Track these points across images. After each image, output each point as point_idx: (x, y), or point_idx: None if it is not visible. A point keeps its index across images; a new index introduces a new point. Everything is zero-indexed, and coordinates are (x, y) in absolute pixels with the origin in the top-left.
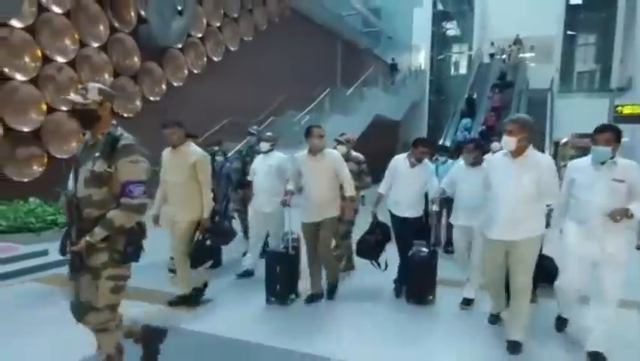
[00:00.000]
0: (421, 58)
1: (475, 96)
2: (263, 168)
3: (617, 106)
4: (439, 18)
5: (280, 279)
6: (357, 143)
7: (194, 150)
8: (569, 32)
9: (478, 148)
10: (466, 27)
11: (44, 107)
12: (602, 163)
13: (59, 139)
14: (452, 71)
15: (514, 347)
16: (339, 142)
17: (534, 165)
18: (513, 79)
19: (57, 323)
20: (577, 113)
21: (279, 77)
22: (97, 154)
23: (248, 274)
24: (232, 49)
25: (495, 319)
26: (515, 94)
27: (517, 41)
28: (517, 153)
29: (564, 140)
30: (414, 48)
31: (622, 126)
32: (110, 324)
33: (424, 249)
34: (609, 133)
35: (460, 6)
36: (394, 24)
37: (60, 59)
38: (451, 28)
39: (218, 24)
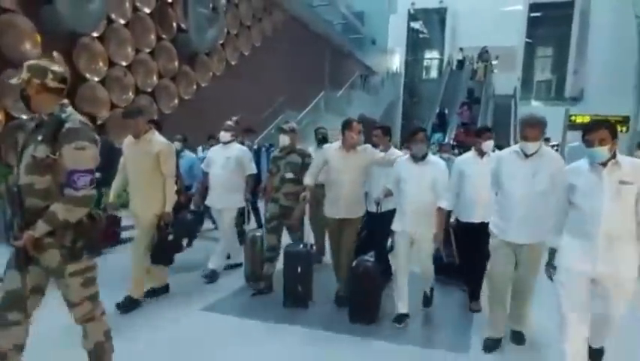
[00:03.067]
0: (396, 61)
1: (446, 111)
2: (219, 160)
3: (570, 115)
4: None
5: (301, 280)
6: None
7: (157, 140)
8: (530, 44)
9: (428, 140)
10: (438, 34)
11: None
12: (603, 165)
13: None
14: (424, 75)
15: (519, 337)
16: (282, 130)
17: (548, 162)
18: (480, 95)
19: None
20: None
21: (279, 79)
22: (40, 137)
23: (214, 274)
24: (245, 53)
25: (494, 344)
26: (481, 112)
27: (484, 58)
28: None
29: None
30: (390, 52)
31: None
32: (94, 313)
33: (370, 258)
34: (603, 130)
35: (432, 14)
36: (373, 29)
37: (123, 63)
38: (424, 34)
39: (235, 32)
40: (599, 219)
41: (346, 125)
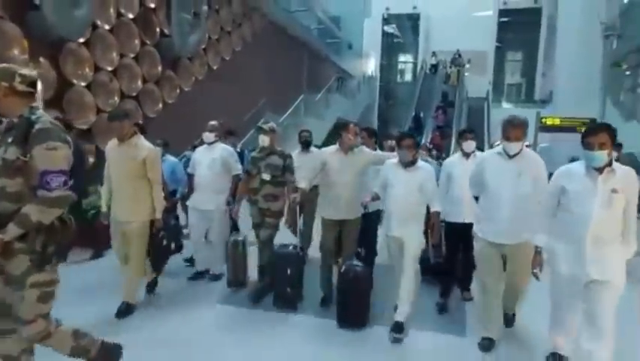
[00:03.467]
0: (371, 65)
1: (421, 115)
2: (205, 160)
3: (541, 118)
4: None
5: (291, 282)
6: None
7: (144, 144)
8: (500, 48)
9: (416, 146)
10: (412, 38)
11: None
12: (599, 171)
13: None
14: (399, 78)
15: (511, 319)
16: (262, 130)
17: (530, 163)
18: (454, 98)
19: None
20: None
21: (259, 83)
22: (10, 140)
23: (200, 274)
24: (227, 58)
25: (489, 344)
26: (456, 115)
27: (457, 63)
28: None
29: (497, 142)
30: (365, 56)
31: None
32: (49, 329)
33: (358, 263)
34: (603, 134)
35: (406, 19)
36: (349, 33)
37: (109, 68)
38: (399, 39)
39: (216, 36)
40: (588, 224)
41: (343, 127)
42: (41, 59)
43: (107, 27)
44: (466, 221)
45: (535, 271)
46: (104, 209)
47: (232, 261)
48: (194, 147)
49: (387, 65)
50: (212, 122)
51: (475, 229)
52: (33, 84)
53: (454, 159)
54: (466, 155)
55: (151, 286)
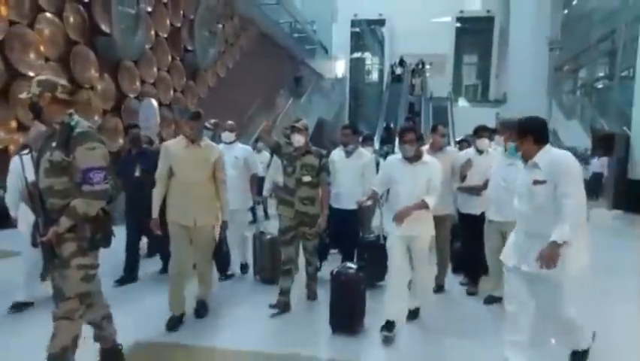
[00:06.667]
0: (342, 67)
1: (392, 125)
2: (229, 160)
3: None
4: (355, 32)
5: (372, 266)
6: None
7: (213, 145)
8: (458, 52)
9: (418, 140)
10: (379, 42)
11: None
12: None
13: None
14: (367, 79)
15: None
16: (296, 129)
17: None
18: (420, 108)
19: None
20: (468, 119)
21: (254, 88)
22: (54, 144)
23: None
24: (230, 66)
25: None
26: (423, 122)
27: (420, 74)
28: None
29: (459, 138)
30: (336, 58)
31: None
32: (75, 314)
33: (352, 265)
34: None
35: (373, 24)
36: (321, 38)
37: (151, 81)
38: (366, 42)
39: (223, 49)
40: (522, 219)
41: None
42: (105, 75)
43: (148, 46)
44: (478, 213)
45: None
46: (155, 215)
47: (266, 257)
48: None
49: (356, 67)
50: (230, 122)
51: (488, 213)
52: (71, 93)
53: (470, 155)
54: (480, 152)
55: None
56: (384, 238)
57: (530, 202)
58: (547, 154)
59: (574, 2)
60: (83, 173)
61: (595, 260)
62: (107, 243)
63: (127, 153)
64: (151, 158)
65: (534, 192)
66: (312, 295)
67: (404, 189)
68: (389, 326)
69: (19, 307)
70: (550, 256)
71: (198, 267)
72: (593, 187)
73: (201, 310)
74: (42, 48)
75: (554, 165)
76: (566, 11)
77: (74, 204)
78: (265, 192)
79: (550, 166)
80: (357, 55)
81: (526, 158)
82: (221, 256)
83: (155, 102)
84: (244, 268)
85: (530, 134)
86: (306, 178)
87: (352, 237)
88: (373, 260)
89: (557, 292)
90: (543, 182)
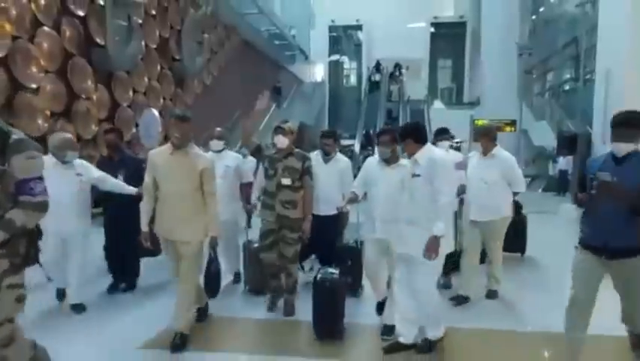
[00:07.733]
0: (321, 72)
1: (370, 132)
2: (219, 169)
3: (474, 119)
4: (334, 37)
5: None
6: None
7: (201, 154)
8: (433, 56)
9: (394, 141)
10: (356, 47)
11: None
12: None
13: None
14: (345, 83)
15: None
16: (281, 130)
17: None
18: (397, 114)
19: None
20: (444, 121)
21: (236, 95)
22: None
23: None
24: (215, 74)
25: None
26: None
27: (397, 81)
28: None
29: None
30: (315, 63)
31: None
32: (15, 334)
33: (334, 270)
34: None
35: (350, 29)
36: (301, 44)
37: (143, 90)
38: (344, 47)
39: (208, 57)
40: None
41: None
42: (100, 85)
43: (139, 57)
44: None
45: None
46: (144, 228)
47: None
48: None
49: (335, 71)
50: (219, 129)
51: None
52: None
53: (473, 157)
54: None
55: (203, 314)
56: (361, 243)
57: (408, 192)
58: (428, 153)
59: (541, 9)
60: (22, 183)
61: (565, 247)
62: (37, 259)
63: (106, 159)
64: (131, 165)
65: (412, 183)
66: (289, 310)
67: (380, 191)
68: (388, 330)
69: None
70: (434, 248)
71: (179, 282)
72: (560, 183)
73: (177, 344)
74: (42, 61)
75: (432, 163)
76: (534, 17)
77: (10, 216)
78: (253, 199)
79: (428, 162)
80: (335, 58)
81: (409, 155)
82: (209, 277)
83: (156, 113)
84: (237, 276)
85: (410, 136)
86: (286, 181)
87: (330, 243)
88: (354, 266)
89: (418, 269)
90: (418, 175)
